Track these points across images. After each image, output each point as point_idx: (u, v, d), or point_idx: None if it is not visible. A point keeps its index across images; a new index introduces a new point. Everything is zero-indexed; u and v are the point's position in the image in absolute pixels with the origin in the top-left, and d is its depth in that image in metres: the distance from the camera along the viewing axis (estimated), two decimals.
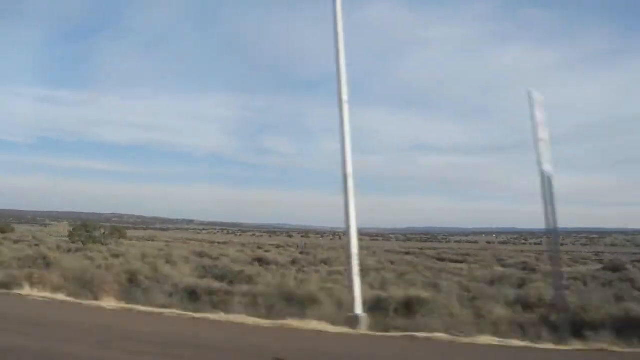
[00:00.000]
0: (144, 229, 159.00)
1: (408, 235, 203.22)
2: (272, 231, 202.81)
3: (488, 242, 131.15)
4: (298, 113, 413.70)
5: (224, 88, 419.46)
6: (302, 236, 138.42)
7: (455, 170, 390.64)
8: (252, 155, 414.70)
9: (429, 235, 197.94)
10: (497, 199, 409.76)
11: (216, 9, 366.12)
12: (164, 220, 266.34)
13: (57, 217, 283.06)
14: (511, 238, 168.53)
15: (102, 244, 31.09)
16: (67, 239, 38.99)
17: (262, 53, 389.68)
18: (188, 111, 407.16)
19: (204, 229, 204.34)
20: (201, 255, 27.31)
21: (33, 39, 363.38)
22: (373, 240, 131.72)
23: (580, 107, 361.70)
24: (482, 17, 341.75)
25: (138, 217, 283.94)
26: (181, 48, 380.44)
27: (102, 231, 35.94)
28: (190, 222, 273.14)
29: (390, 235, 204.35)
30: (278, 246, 55.01)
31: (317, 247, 57.90)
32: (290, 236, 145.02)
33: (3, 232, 51.51)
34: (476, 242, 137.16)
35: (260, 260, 25.62)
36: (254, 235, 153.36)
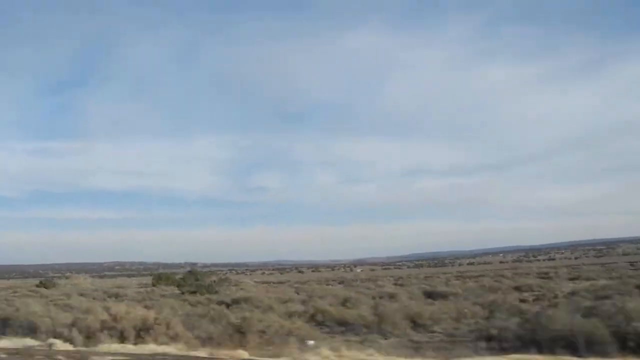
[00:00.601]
0: None
1: (415, 262, 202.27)
2: (279, 268, 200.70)
3: (501, 262, 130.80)
4: (287, 147, 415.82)
5: (213, 128, 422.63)
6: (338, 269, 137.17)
7: (453, 191, 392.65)
8: (244, 193, 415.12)
9: (436, 260, 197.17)
10: (497, 217, 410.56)
11: (199, 49, 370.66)
12: (167, 265, 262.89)
13: (59, 269, 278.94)
14: (520, 257, 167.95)
15: (214, 292, 29.59)
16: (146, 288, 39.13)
17: (248, 90, 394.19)
18: (178, 154, 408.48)
19: (212, 271, 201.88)
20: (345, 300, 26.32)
21: (19, 92, 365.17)
22: (386, 269, 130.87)
23: (569, 117, 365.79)
24: (464, 36, 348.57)
25: (140, 263, 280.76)
26: (168, 91, 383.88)
27: (213, 279, 34.53)
28: (194, 264, 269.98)
29: (398, 263, 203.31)
30: (328, 282, 53.92)
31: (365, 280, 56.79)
32: (301, 272, 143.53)
33: (46, 287, 50.85)
34: (490, 263, 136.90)
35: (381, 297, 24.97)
36: (264, 273, 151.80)
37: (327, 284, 45.94)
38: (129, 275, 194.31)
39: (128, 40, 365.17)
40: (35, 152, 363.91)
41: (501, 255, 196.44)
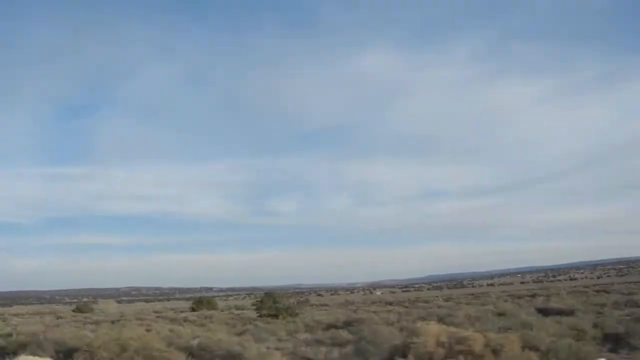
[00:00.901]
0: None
1: (433, 284, 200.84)
2: (299, 292, 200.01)
3: (522, 282, 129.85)
4: (302, 170, 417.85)
5: (227, 152, 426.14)
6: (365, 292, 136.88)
7: (467, 213, 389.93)
8: (259, 217, 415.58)
9: (455, 282, 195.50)
10: (513, 238, 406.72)
11: (212, 72, 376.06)
12: (182, 290, 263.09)
13: (75, 295, 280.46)
14: (539, 277, 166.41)
15: (295, 315, 29.58)
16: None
17: (262, 113, 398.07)
18: (193, 178, 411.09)
19: (230, 295, 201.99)
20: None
21: (34, 117, 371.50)
22: (405, 291, 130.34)
23: (584, 134, 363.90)
24: (475, 55, 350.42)
25: (155, 288, 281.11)
26: (182, 114, 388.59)
27: (292, 301, 33.40)
28: (209, 289, 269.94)
29: (415, 285, 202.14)
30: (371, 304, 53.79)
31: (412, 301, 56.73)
32: (320, 295, 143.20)
33: (82, 312, 51.58)
34: (511, 283, 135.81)
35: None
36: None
37: (372, 306, 45.97)
38: (146, 301, 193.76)
39: (142, 64, 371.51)
40: (50, 177, 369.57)
41: (519, 275, 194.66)
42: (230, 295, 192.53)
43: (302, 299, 39.11)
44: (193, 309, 44.41)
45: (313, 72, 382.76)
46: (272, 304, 31.77)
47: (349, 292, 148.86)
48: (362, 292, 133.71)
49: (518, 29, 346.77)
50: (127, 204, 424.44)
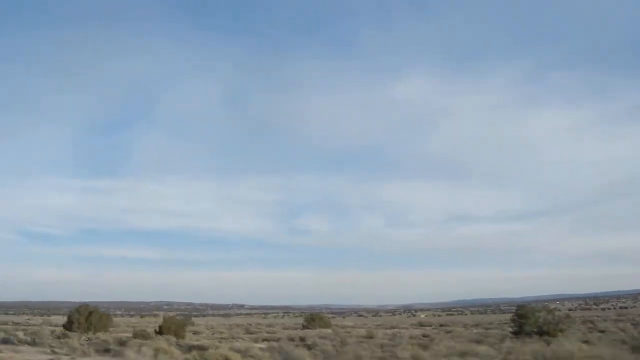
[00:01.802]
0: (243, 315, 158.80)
1: (474, 308, 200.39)
2: (340, 312, 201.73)
3: (570, 310, 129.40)
4: (333, 190, 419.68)
5: (259, 170, 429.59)
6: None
7: (497, 238, 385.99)
8: (290, 236, 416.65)
9: (492, 307, 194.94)
10: (545, 264, 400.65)
11: (246, 91, 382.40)
12: (215, 306, 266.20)
13: (108, 307, 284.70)
14: (578, 304, 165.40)
15: (560, 333, 25.31)
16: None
17: (295, 132, 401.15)
18: (224, 195, 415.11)
19: (266, 313, 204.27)
20: None
21: (69, 132, 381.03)
22: (450, 314, 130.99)
23: (619, 162, 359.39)
24: (511, 82, 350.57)
25: (187, 304, 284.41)
26: (215, 132, 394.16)
27: (552, 316, 27.73)
28: (241, 306, 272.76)
29: (453, 309, 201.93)
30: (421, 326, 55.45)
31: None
32: (361, 315, 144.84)
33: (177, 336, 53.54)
34: (558, 310, 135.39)
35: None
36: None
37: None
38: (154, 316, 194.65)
39: (177, 81, 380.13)
40: (83, 190, 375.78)
41: (557, 303, 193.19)
42: (269, 313, 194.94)
43: (569, 316, 33.17)
44: (305, 327, 45.57)
45: (348, 94, 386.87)
46: (535, 320, 27.12)
47: (390, 314, 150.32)
48: (406, 315, 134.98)
49: (555, 57, 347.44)
50: (159, 219, 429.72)
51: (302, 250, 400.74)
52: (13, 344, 27.92)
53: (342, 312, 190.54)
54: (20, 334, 32.33)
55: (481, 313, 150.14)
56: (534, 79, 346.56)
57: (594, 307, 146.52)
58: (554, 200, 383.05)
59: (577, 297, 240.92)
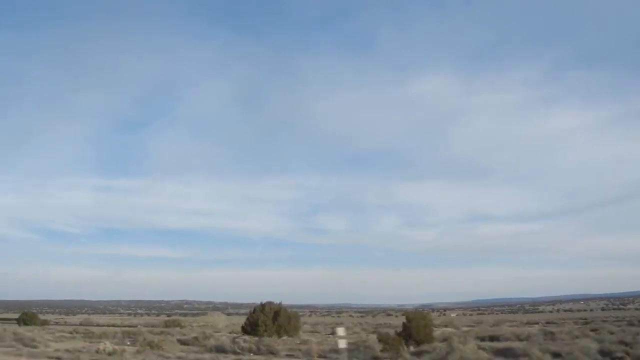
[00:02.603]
0: None
1: (481, 309, 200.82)
2: (370, 311, 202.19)
3: (591, 310, 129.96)
4: (351, 190, 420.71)
5: (277, 169, 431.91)
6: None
7: (515, 238, 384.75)
8: (308, 234, 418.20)
9: (517, 306, 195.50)
10: (561, 265, 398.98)
11: (265, 90, 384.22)
12: (235, 305, 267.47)
13: (128, 306, 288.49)
14: (607, 304, 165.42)
15: None
16: None
17: (313, 132, 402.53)
18: (243, 194, 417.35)
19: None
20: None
21: (89, 130, 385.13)
22: (481, 314, 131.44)
23: (634, 163, 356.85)
24: (530, 80, 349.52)
25: (207, 302, 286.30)
26: (233, 132, 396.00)
27: None
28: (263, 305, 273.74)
29: (474, 308, 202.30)
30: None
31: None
32: (390, 314, 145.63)
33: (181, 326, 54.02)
34: (582, 310, 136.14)
35: None
36: (351, 316, 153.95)
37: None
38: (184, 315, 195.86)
39: (197, 80, 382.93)
40: (102, 189, 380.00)
41: (582, 302, 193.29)
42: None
43: None
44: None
45: (367, 93, 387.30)
46: None
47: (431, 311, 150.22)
48: (437, 314, 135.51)
49: (574, 55, 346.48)
50: (178, 218, 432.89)
51: (320, 249, 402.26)
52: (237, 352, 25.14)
53: (367, 312, 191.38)
54: (212, 341, 30.20)
55: (513, 312, 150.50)
56: (552, 78, 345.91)
57: (622, 307, 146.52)
58: (572, 200, 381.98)
59: (597, 297, 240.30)
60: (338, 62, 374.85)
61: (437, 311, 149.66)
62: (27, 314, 65.95)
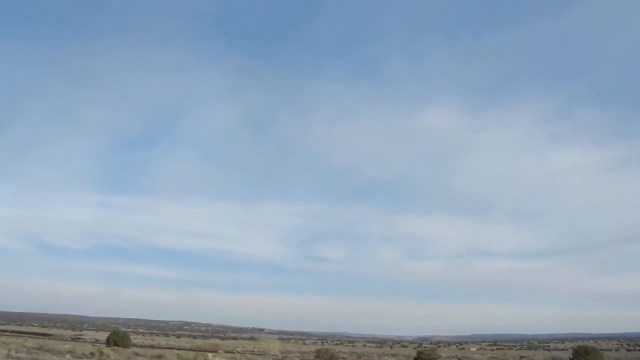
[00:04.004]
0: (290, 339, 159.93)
1: (482, 344, 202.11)
2: (375, 341, 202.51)
3: (616, 350, 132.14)
4: (352, 219, 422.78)
5: (280, 195, 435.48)
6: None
7: (515, 274, 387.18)
8: (308, 262, 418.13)
9: (517, 342, 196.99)
10: (560, 303, 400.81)
11: (273, 116, 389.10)
12: (234, 329, 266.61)
13: (125, 323, 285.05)
14: (616, 344, 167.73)
15: None
16: None
17: (317, 160, 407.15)
18: (244, 219, 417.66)
19: (290, 338, 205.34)
20: None
21: (93, 147, 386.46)
22: (499, 349, 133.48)
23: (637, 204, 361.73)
24: (537, 118, 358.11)
25: (207, 325, 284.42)
26: (238, 155, 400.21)
27: None
28: (261, 330, 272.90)
29: (467, 343, 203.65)
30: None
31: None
32: (405, 346, 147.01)
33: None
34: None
35: None
36: (366, 345, 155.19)
37: None
38: (194, 337, 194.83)
39: (204, 103, 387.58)
40: (103, 205, 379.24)
41: (591, 341, 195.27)
42: (288, 338, 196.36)
43: None
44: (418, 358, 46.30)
45: (374, 122, 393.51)
46: None
47: (436, 346, 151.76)
48: (456, 347, 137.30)
49: (583, 94, 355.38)
50: (178, 238, 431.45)
51: (320, 276, 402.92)
52: None
53: (370, 341, 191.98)
54: None
55: (501, 348, 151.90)
56: (560, 115, 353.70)
57: (633, 347, 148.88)
58: (573, 239, 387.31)
59: (595, 337, 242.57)
60: (347, 90, 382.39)
61: (455, 344, 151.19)
62: (118, 334, 64.27)
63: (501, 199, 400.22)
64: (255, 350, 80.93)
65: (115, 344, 59.02)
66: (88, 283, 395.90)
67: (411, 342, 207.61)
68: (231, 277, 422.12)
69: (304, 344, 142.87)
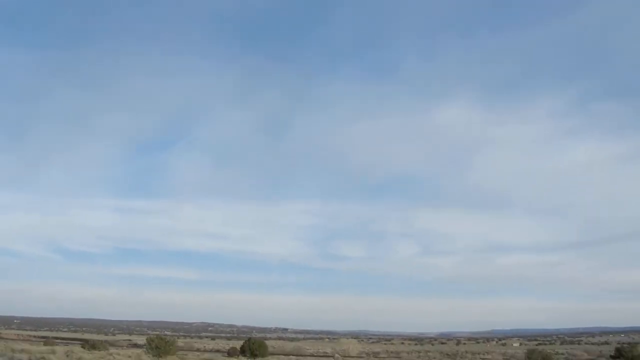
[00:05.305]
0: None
1: (525, 338, 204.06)
2: (413, 338, 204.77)
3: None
4: (370, 216, 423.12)
5: (297, 194, 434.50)
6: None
7: (534, 268, 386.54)
8: (327, 260, 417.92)
9: (549, 337, 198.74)
10: (581, 297, 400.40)
11: (289, 116, 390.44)
12: (259, 329, 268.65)
13: (149, 326, 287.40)
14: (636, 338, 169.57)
15: None
16: None
17: (334, 158, 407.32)
18: (262, 219, 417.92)
19: (314, 338, 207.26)
20: None
21: (110, 151, 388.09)
22: (541, 344, 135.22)
23: None
24: (555, 112, 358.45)
25: (229, 325, 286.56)
26: (254, 156, 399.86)
27: None
28: (285, 330, 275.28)
29: (501, 339, 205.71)
30: None
31: None
32: (444, 343, 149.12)
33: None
34: (607, 343, 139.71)
35: None
36: (403, 343, 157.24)
37: None
38: (228, 338, 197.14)
39: (220, 105, 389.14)
40: (121, 209, 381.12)
41: (622, 335, 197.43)
42: (304, 338, 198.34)
43: None
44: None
45: (391, 121, 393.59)
46: None
47: (475, 342, 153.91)
48: (496, 344, 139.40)
49: (599, 88, 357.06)
50: (197, 240, 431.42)
51: (339, 275, 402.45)
52: None
53: (406, 339, 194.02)
54: None
55: (573, 343, 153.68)
56: (577, 110, 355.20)
57: None
58: (593, 232, 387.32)
59: (615, 330, 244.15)
60: (363, 89, 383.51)
61: (494, 340, 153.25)
62: (253, 342, 57.83)
63: (518, 194, 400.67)
64: (353, 352, 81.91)
65: (252, 354, 54.17)
66: (109, 286, 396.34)
67: (434, 339, 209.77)
68: (250, 277, 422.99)
69: (384, 343, 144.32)
